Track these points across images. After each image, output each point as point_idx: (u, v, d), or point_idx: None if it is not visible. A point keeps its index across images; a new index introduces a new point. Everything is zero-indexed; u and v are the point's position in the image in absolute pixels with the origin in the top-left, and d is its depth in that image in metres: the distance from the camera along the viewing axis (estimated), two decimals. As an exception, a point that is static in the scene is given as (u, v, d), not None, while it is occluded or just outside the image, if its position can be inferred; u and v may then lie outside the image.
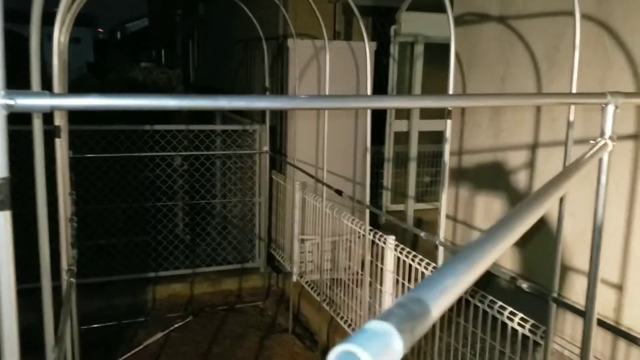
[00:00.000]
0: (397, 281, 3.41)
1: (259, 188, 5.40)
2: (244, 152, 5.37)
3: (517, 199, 4.26)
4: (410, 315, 0.47)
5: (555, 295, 1.86)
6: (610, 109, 1.08)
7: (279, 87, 5.42)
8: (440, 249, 2.55)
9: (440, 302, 0.51)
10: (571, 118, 1.80)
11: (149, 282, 5.02)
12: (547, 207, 0.91)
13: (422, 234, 2.77)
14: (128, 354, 4.13)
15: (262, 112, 5.82)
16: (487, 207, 4.62)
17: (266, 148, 5.21)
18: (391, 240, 3.45)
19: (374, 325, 0.43)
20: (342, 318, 4.06)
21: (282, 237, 5.37)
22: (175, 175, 5.24)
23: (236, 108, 1.01)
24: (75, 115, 3.49)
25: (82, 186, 4.59)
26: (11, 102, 0.84)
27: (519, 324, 2.46)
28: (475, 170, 4.76)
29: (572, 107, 1.77)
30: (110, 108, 0.93)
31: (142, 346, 4.25)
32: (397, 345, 0.43)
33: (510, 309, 2.54)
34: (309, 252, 5.04)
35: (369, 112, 3.21)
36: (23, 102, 0.86)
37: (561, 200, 1.78)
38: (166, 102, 0.96)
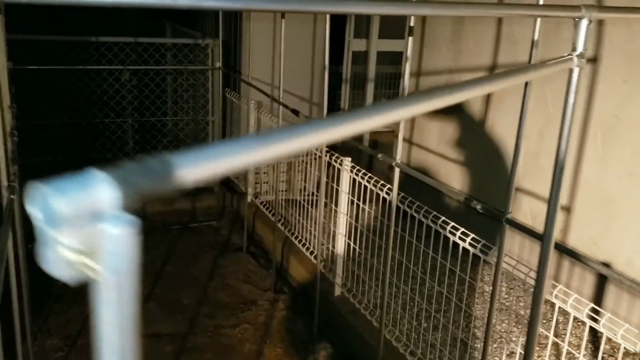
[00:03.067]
0: (352, 202, 3.42)
1: (212, 106, 5.24)
2: (195, 68, 5.15)
3: (472, 123, 4.28)
4: (141, 169, 0.43)
5: (509, 216, 1.88)
6: (584, 23, 1.03)
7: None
8: (396, 170, 2.54)
9: (192, 169, 0.46)
10: (535, 36, 1.75)
11: (99, 201, 4.90)
12: (485, 90, 0.87)
13: (379, 156, 2.75)
14: (79, 273, 4.08)
15: (214, 26, 5.56)
16: (442, 130, 4.64)
17: (219, 64, 5.01)
18: (347, 162, 3.43)
19: (87, 172, 0.38)
20: (296, 237, 4.08)
21: (236, 157, 5.27)
22: (124, 90, 5.02)
23: (181, 7, 0.91)
24: (14, 25, 3.23)
25: (24, 100, 4.34)
26: None
27: (470, 244, 2.51)
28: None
29: (538, 24, 1.72)
30: None
31: (93, 265, 4.19)
32: (107, 193, 0.37)
33: (462, 229, 2.59)
34: (264, 173, 5.00)
35: (327, 28, 3.08)
36: None
37: (520, 122, 1.76)
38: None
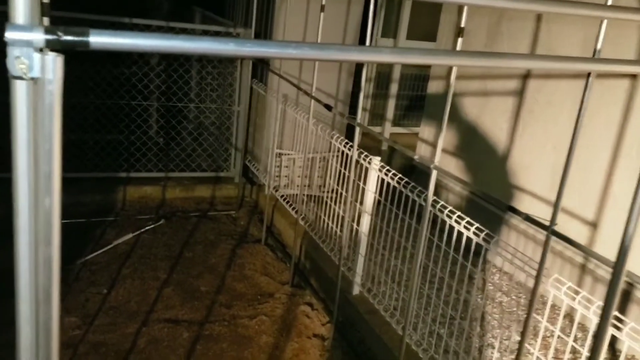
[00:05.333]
0: (379, 202, 3.40)
1: (239, 96, 5.22)
2: (224, 56, 5.13)
3: (499, 130, 4.24)
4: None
5: (554, 228, 1.85)
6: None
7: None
8: (433, 173, 2.51)
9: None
10: (598, 45, 1.71)
11: (120, 182, 4.90)
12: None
13: (416, 157, 2.72)
14: (97, 252, 4.08)
15: (245, 16, 5.54)
16: (468, 133, 4.60)
17: (249, 54, 4.98)
18: (376, 161, 3.41)
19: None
20: (316, 233, 4.06)
21: (258, 149, 5.27)
22: (152, 74, 5.01)
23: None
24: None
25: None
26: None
27: (474, 233, 2.53)
28: (462, 97, 4.69)
29: (602, 30, 1.68)
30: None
31: (111, 245, 4.19)
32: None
33: (467, 218, 2.59)
34: (285, 166, 4.98)
35: (369, 28, 3.06)
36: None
37: (577, 120, 1.73)
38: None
